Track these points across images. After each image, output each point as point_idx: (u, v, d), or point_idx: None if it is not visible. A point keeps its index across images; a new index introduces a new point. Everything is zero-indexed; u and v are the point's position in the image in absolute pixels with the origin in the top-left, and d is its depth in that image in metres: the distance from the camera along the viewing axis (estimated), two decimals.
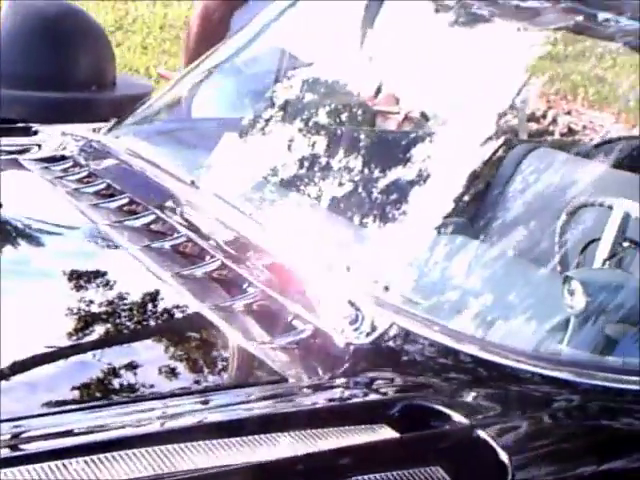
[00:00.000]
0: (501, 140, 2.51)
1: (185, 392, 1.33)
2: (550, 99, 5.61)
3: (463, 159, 2.15)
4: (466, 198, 2.18)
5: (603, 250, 1.63)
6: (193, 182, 1.87)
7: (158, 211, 1.82)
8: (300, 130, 2.32)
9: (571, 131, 5.18)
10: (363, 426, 1.21)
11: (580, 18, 2.25)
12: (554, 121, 5.26)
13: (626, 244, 1.65)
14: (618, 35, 2.20)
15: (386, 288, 1.49)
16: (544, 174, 2.30)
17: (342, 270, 1.53)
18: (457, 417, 1.24)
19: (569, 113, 5.48)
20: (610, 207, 1.68)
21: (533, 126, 5.04)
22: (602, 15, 2.24)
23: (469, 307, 1.51)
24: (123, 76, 3.98)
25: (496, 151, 2.45)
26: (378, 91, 4.15)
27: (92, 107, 2.75)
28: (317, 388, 1.34)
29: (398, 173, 2.04)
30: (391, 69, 3.70)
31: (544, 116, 5.27)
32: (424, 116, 3.50)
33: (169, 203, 1.86)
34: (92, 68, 2.83)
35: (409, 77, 3.58)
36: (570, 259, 1.77)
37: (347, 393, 1.32)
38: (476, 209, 2.40)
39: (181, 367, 1.44)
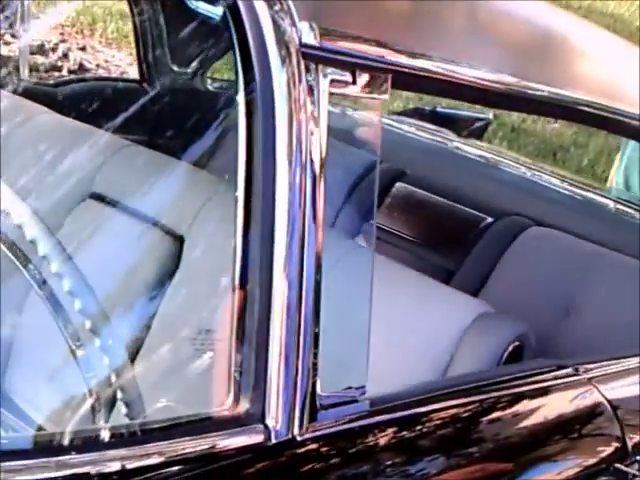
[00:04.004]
0: None
1: None
2: (64, 32, 5.28)
3: None
4: None
5: None
6: None
7: None
8: None
9: (82, 68, 4.90)
10: None
11: None
12: (65, 56, 4.93)
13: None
14: None
15: None
16: None
17: None
18: None
19: (84, 49, 5.19)
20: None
21: (39, 60, 4.68)
22: None
23: None
24: None
25: None
26: None
27: None
28: None
29: None
30: None
31: (54, 49, 4.93)
32: None
33: None
34: None
35: None
36: None
37: None
38: None
39: None
